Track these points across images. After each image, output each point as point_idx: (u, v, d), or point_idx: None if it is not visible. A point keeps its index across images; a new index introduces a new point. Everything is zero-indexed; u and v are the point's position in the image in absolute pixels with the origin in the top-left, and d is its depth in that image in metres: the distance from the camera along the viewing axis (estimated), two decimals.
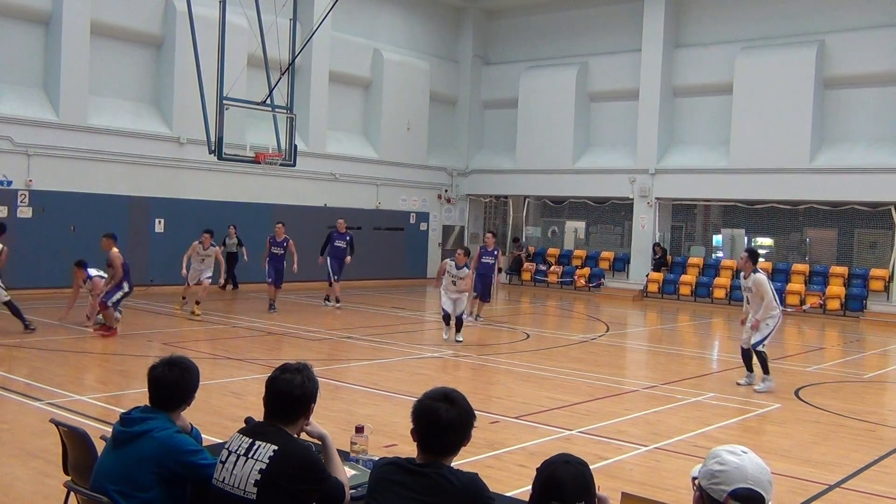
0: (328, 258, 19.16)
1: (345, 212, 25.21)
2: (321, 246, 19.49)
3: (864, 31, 22.43)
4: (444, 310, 14.39)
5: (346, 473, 3.79)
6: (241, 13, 19.57)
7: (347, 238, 19.44)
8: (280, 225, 18.36)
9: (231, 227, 20.90)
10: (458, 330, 14.38)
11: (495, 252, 17.96)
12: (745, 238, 26.43)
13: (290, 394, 3.58)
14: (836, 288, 22.42)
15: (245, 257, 20.66)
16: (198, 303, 16.52)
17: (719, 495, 2.56)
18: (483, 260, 17.66)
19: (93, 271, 14.51)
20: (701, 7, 25.58)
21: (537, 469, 2.92)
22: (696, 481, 2.68)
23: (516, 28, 29.33)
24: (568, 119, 27.09)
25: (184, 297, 17.03)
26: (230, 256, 20.75)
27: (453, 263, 14.21)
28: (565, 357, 13.69)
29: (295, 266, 18.13)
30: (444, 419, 3.19)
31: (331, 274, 19.05)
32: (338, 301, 19.18)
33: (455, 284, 14.21)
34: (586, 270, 26.82)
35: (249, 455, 3.45)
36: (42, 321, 14.81)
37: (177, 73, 20.96)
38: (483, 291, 17.72)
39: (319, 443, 3.76)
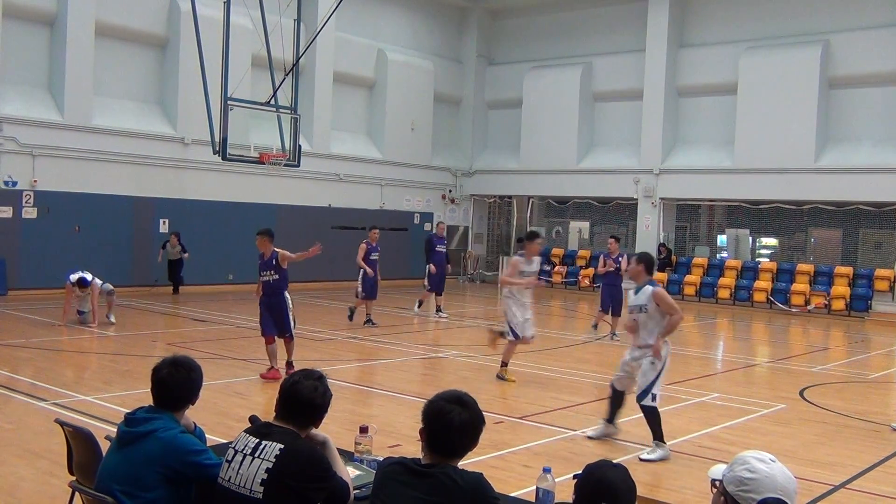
0: (428, 266, 18.06)
1: (349, 212, 25.26)
2: (424, 253, 18.52)
3: (869, 31, 22.40)
4: (613, 386, 8.20)
5: (349, 475, 3.80)
6: (245, 14, 19.60)
7: (445, 242, 18.43)
8: (375, 230, 16.92)
9: (173, 234, 20.23)
10: (610, 418, 8.17)
11: (619, 259, 15.54)
12: (750, 238, 26.40)
13: (313, 401, 3.62)
14: (840, 288, 22.37)
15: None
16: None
17: (748, 503, 2.56)
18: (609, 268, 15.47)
19: (88, 275, 14.54)
20: (705, 7, 25.56)
21: (577, 476, 2.93)
22: (719, 484, 2.67)
23: (520, 28, 29.33)
24: (572, 119, 27.08)
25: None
26: (172, 263, 20.40)
27: (631, 292, 7.95)
28: (570, 357, 13.68)
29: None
30: (455, 422, 3.19)
31: (427, 283, 18.09)
32: (439, 309, 18.12)
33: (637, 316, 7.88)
34: (590, 271, 26.78)
35: (256, 454, 3.46)
36: (47, 321, 14.85)
37: (181, 74, 20.99)
38: (614, 305, 15.36)
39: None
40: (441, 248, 18.09)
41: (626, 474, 2.92)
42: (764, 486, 2.55)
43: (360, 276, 16.07)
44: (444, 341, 15.61)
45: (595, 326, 16.28)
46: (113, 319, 14.85)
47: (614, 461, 3.01)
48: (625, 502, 2.86)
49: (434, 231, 18.53)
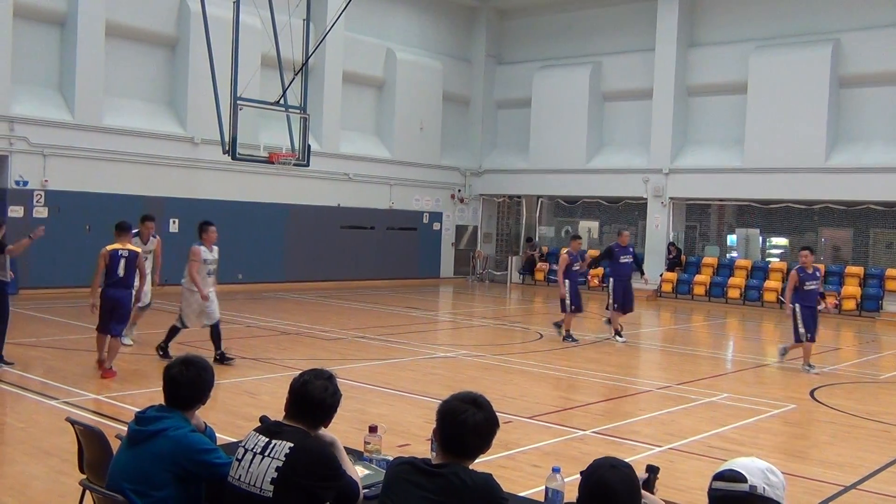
0: (610, 279, 15.37)
1: (358, 212, 25.28)
2: (596, 262, 16.44)
3: (880, 30, 22.29)
4: None
5: (359, 474, 3.80)
6: (254, 14, 19.62)
7: (632, 251, 15.87)
8: (578, 239, 15.79)
9: None
10: None
11: (817, 274, 13.39)
12: (760, 238, 26.32)
13: (324, 401, 3.63)
14: (851, 288, 22.28)
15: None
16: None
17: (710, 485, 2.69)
18: (807, 287, 13.01)
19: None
20: (715, 6, 25.49)
21: (582, 473, 2.90)
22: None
23: (529, 27, 29.30)
24: (581, 119, 27.05)
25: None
26: None
27: None
28: (579, 357, 13.66)
29: (591, 279, 15.08)
30: (469, 423, 3.19)
31: (612, 299, 15.17)
32: (619, 334, 15.23)
33: None
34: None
35: (266, 453, 3.47)
36: (58, 320, 14.91)
37: (191, 74, 21.05)
38: (812, 327, 12.89)
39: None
40: (625, 259, 15.38)
41: (629, 475, 2.88)
42: (722, 466, 2.70)
43: (567, 289, 14.87)
44: (453, 341, 15.62)
45: (810, 367, 12.91)
46: (129, 342, 12.45)
47: (618, 460, 2.95)
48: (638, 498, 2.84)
49: (617, 240, 15.89)
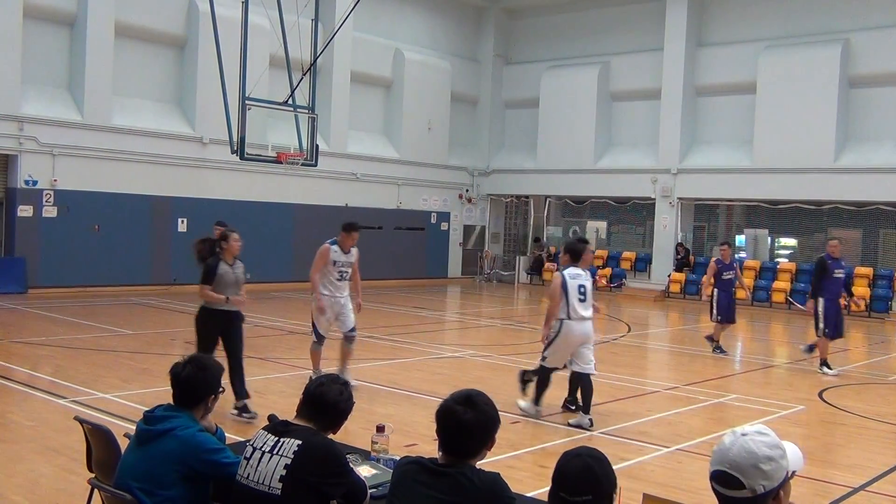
0: (819, 299, 12.76)
1: (366, 211, 25.29)
2: (813, 282, 13.26)
3: (890, 30, 22.21)
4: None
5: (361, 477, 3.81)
6: (263, 14, 19.66)
7: (844, 266, 13.37)
8: (726, 246, 14.99)
9: None
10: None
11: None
12: (769, 238, 26.24)
13: (338, 404, 3.65)
14: (860, 289, 22.17)
15: None
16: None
17: (710, 475, 2.51)
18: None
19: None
20: (724, 5, 25.43)
21: (559, 463, 2.88)
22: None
23: (537, 27, 29.29)
24: (589, 119, 27.02)
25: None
26: None
27: None
28: None
29: (746, 292, 13.75)
30: (462, 422, 3.17)
31: (822, 323, 12.67)
32: (825, 365, 12.77)
33: None
34: (608, 270, 26.72)
35: (275, 452, 3.48)
36: (67, 319, 14.95)
37: (199, 74, 21.11)
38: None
39: None
40: (839, 274, 12.88)
41: (589, 464, 2.76)
42: (716, 459, 2.47)
43: (714, 299, 14.21)
44: (460, 341, 15.61)
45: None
46: (354, 381, 9.45)
47: (588, 449, 2.85)
48: (580, 494, 2.71)
49: (827, 250, 13.15)
